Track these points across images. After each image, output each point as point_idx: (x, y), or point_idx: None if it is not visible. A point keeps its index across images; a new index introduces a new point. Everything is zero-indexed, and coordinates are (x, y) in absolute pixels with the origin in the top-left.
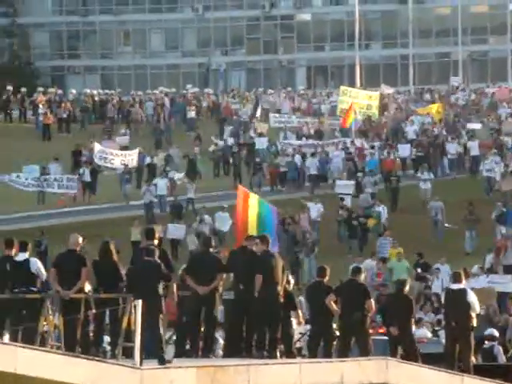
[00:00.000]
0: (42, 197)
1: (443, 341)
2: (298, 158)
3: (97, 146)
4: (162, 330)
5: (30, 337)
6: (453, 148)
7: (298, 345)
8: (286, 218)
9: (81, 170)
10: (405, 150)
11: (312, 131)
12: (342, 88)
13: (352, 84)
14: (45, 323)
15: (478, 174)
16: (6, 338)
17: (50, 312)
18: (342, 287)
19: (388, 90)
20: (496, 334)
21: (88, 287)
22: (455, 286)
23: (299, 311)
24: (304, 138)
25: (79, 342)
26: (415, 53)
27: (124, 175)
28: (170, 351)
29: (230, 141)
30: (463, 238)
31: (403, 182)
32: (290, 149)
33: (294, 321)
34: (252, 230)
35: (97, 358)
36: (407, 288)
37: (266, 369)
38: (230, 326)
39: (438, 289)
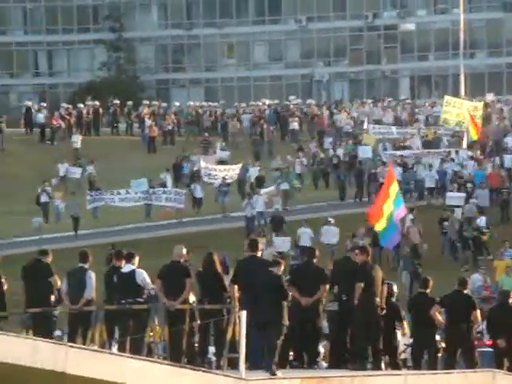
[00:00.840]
0: (149, 210)
1: None
2: (398, 170)
3: (202, 163)
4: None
5: (137, 348)
6: None
7: (402, 356)
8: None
9: (192, 186)
10: (510, 161)
11: (417, 141)
12: (446, 98)
13: (456, 93)
14: (151, 334)
15: None
16: (115, 348)
17: (157, 323)
18: (448, 298)
19: (491, 97)
20: None
21: (192, 298)
22: None
23: (404, 323)
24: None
25: (185, 352)
26: None
27: (222, 187)
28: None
29: (331, 152)
30: None
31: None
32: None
33: (398, 332)
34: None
35: (202, 369)
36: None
37: (371, 380)
38: (334, 337)
39: None
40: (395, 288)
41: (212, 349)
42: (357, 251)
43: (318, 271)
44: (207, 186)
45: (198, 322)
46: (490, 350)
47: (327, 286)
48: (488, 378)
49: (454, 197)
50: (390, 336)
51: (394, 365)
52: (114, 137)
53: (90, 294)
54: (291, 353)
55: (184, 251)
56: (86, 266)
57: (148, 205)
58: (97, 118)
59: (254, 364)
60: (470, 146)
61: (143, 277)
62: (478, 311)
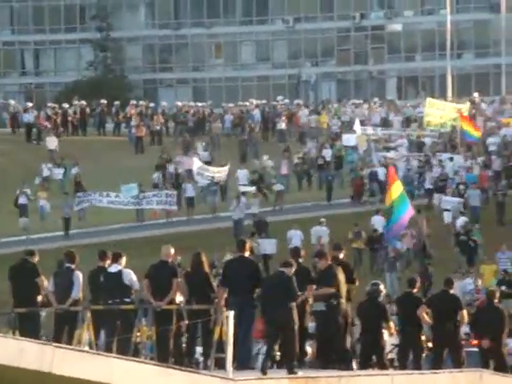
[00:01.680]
0: (141, 214)
1: None
2: (381, 170)
3: (196, 163)
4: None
5: (124, 348)
6: None
7: (389, 356)
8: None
9: (183, 185)
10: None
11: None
12: (429, 100)
13: (443, 94)
14: (138, 334)
15: None
16: (102, 349)
17: (144, 323)
18: (434, 298)
19: (476, 97)
20: None
21: (180, 298)
22: None
23: (391, 323)
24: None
25: (172, 352)
26: (507, 62)
27: (211, 187)
28: (259, 362)
29: (313, 153)
30: None
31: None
32: (376, 160)
33: (385, 332)
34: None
35: (189, 369)
36: (496, 300)
37: (358, 380)
38: (320, 337)
39: None
40: (382, 288)
41: (199, 349)
42: (316, 259)
43: (304, 271)
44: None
45: (186, 322)
46: (477, 350)
47: (314, 287)
48: (475, 378)
49: (450, 201)
50: (376, 336)
51: (381, 365)
52: (101, 137)
53: (77, 294)
54: (278, 353)
55: (172, 251)
56: (73, 266)
57: (139, 210)
58: (83, 118)
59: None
60: (471, 143)
61: (130, 277)
62: (465, 311)
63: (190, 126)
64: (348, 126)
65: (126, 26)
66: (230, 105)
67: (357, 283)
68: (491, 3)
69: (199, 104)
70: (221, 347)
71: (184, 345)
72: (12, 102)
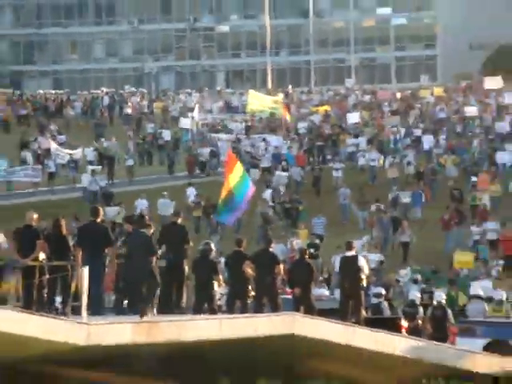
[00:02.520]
0: (10, 186)
1: (338, 298)
2: (206, 151)
3: (52, 145)
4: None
5: None
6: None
7: (219, 303)
8: None
9: (45, 161)
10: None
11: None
12: (251, 92)
13: (264, 86)
14: (7, 286)
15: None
16: None
17: (11, 277)
18: (257, 255)
19: (287, 89)
20: (383, 292)
21: (42, 256)
22: (348, 254)
23: (220, 276)
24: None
25: (35, 302)
26: (316, 59)
27: (70, 164)
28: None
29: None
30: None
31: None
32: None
33: (215, 283)
34: (226, 192)
35: (49, 315)
36: (307, 256)
37: (192, 324)
38: (162, 289)
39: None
40: (212, 246)
41: (59, 299)
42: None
43: (145, 237)
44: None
45: (47, 276)
46: (290, 297)
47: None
48: (289, 320)
49: (282, 175)
50: (207, 287)
51: (212, 310)
52: None
53: None
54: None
55: (35, 216)
56: None
57: (8, 181)
58: None
59: (95, 312)
60: (287, 126)
61: None
62: (282, 265)
63: (50, 110)
64: (183, 112)
65: None
66: (85, 92)
67: (191, 244)
68: (303, 10)
69: (59, 92)
70: (77, 297)
71: (45, 295)
72: None
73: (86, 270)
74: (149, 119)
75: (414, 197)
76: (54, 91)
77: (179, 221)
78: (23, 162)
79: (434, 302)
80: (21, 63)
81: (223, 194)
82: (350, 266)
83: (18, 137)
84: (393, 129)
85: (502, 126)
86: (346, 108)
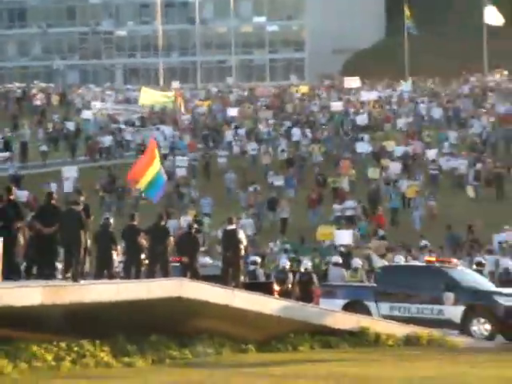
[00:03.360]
0: None
1: (220, 265)
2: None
3: None
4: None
5: None
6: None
7: (117, 270)
8: None
9: None
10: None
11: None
12: (143, 88)
13: (157, 82)
14: None
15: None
16: None
17: None
18: (150, 228)
19: (176, 85)
20: (258, 260)
21: None
22: (229, 227)
23: (118, 246)
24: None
25: None
26: (202, 60)
27: None
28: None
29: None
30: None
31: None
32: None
33: (114, 253)
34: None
35: None
36: (193, 230)
37: (93, 287)
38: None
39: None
40: (111, 221)
41: None
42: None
43: (56, 210)
44: None
45: None
46: (178, 264)
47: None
48: (177, 284)
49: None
50: (107, 255)
51: (110, 276)
52: None
53: None
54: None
55: None
56: None
57: None
58: None
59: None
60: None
61: None
62: (172, 238)
63: None
64: (85, 105)
65: None
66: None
67: (92, 218)
68: (190, 17)
69: None
70: None
71: None
72: None
73: (1, 241)
74: (53, 112)
75: (286, 180)
76: None
77: (82, 198)
78: None
79: (302, 269)
80: None
81: (150, 174)
82: (231, 238)
83: None
84: (268, 121)
85: (361, 119)
86: (228, 103)
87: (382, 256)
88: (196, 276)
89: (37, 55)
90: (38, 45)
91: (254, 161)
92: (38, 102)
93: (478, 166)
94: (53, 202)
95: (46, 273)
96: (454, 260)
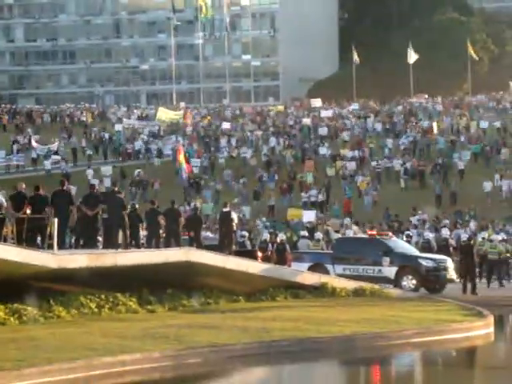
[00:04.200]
0: (7, 167)
1: (218, 238)
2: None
3: None
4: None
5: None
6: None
7: (142, 241)
8: None
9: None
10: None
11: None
12: (160, 108)
13: (171, 103)
14: (6, 230)
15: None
16: None
17: (9, 224)
18: (166, 211)
19: (183, 105)
20: (246, 234)
21: (28, 211)
22: (225, 209)
23: (144, 224)
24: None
25: (24, 240)
26: (204, 86)
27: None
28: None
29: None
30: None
31: None
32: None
33: (140, 228)
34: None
35: (31, 248)
36: (198, 212)
37: (128, 254)
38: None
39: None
40: (137, 206)
41: (39, 239)
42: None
43: (68, 195)
44: None
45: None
46: (187, 237)
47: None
48: (187, 253)
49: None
50: (136, 231)
51: (137, 245)
52: None
53: None
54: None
55: (23, 185)
56: None
57: (6, 165)
58: None
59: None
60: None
61: (1, 199)
62: (183, 218)
63: None
64: (118, 120)
65: None
66: None
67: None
68: (194, 55)
69: None
70: (50, 237)
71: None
72: None
73: (56, 221)
74: (94, 126)
75: (269, 177)
76: None
77: (116, 189)
78: None
79: (278, 240)
80: None
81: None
82: (226, 218)
83: None
84: (254, 132)
85: (322, 131)
86: (223, 118)
87: (337, 231)
88: (200, 246)
89: (82, 83)
90: (84, 76)
91: (245, 161)
92: (83, 119)
93: (408, 164)
94: (94, 191)
95: (90, 243)
96: (390, 233)
